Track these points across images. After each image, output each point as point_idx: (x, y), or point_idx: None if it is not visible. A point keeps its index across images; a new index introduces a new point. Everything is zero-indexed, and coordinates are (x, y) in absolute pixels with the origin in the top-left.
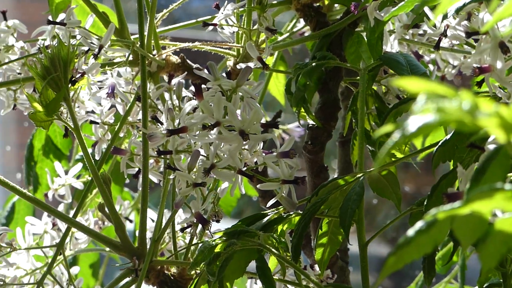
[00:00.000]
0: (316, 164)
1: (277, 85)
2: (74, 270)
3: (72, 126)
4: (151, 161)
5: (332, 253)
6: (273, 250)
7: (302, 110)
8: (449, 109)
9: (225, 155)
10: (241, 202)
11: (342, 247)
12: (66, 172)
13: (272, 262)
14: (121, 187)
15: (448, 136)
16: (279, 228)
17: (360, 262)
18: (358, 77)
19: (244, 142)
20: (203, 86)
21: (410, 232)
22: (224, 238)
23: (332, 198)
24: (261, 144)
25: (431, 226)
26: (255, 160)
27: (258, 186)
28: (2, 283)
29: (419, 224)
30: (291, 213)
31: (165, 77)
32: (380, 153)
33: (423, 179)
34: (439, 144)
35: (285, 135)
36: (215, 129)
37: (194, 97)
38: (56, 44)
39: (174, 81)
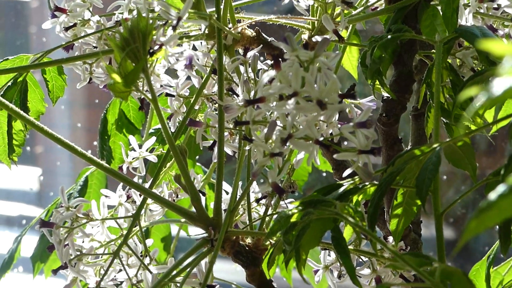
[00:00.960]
0: (390, 137)
1: (350, 59)
2: (148, 242)
3: (150, 97)
4: (226, 133)
5: (406, 224)
6: (349, 219)
7: (377, 82)
8: None
9: (301, 127)
10: (310, 179)
11: (415, 220)
12: (140, 146)
13: (347, 233)
14: (194, 161)
15: None
16: (354, 198)
17: (435, 231)
18: (433, 50)
19: (321, 112)
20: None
21: (492, 195)
22: (301, 207)
23: (407, 168)
24: (337, 116)
25: None
26: (330, 131)
27: (334, 156)
28: (79, 253)
29: (501, 188)
30: (367, 183)
31: (241, 50)
32: (466, 115)
33: (485, 161)
34: None
35: (358, 110)
36: (292, 99)
37: (271, 69)
38: (135, 16)
39: (250, 54)
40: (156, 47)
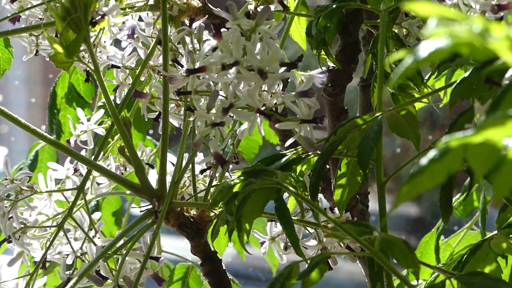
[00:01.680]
0: (336, 107)
1: (299, 31)
2: (96, 215)
3: (93, 68)
4: (172, 105)
5: (351, 194)
6: (291, 188)
7: (323, 52)
8: (459, 32)
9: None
10: (264, 153)
11: (362, 191)
12: (89, 119)
13: (291, 203)
14: (144, 134)
15: (467, 74)
16: (298, 168)
17: (378, 201)
18: (379, 20)
19: (263, 82)
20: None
21: (424, 160)
22: (242, 177)
23: (350, 137)
24: (281, 86)
25: (444, 154)
26: (274, 101)
27: (276, 125)
28: (23, 226)
29: (432, 153)
30: (310, 153)
31: (187, 21)
32: (392, 78)
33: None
34: (457, 82)
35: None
36: (233, 68)
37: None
38: None
39: (195, 24)
40: (98, 17)
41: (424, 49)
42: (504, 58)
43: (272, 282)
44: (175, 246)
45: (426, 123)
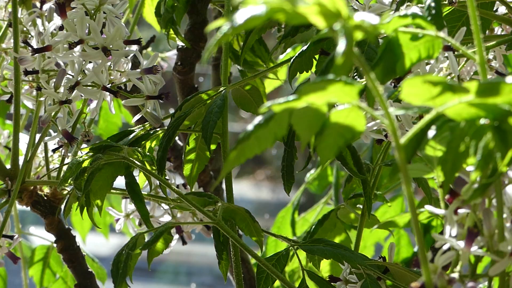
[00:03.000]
0: (186, 85)
1: (152, 12)
2: None
3: None
4: (26, 87)
5: (200, 169)
6: (137, 163)
7: (172, 32)
8: None
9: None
10: None
11: (216, 167)
12: None
13: (142, 179)
14: (3, 118)
15: (305, 47)
16: (148, 144)
17: (222, 171)
18: None
19: (107, 59)
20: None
21: (249, 126)
22: (91, 153)
23: (197, 113)
24: (129, 65)
25: (269, 119)
26: (124, 80)
27: (123, 102)
28: None
29: (257, 119)
30: (158, 129)
31: (38, 3)
32: (211, 44)
33: None
34: (296, 55)
35: (164, 63)
36: (78, 46)
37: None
38: None
39: (46, 6)
40: None
41: (241, 16)
42: (312, 21)
43: (119, 253)
44: None
45: None
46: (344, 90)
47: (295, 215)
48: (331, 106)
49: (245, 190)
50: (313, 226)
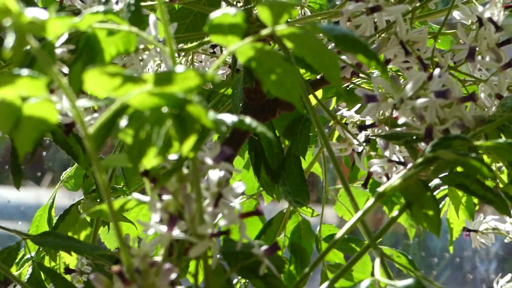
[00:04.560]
0: None
1: None
2: None
3: None
4: None
5: None
6: None
7: None
8: None
9: None
10: None
11: None
12: None
13: None
14: None
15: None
16: None
17: None
18: None
19: None
20: None
21: None
22: None
23: None
24: None
25: None
26: None
27: None
28: None
29: None
30: None
31: None
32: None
33: None
34: None
35: None
36: None
37: None
38: None
39: None
40: None
41: None
42: None
43: None
44: None
45: None
46: (32, 84)
47: (51, 213)
48: (27, 99)
49: None
50: (55, 222)
